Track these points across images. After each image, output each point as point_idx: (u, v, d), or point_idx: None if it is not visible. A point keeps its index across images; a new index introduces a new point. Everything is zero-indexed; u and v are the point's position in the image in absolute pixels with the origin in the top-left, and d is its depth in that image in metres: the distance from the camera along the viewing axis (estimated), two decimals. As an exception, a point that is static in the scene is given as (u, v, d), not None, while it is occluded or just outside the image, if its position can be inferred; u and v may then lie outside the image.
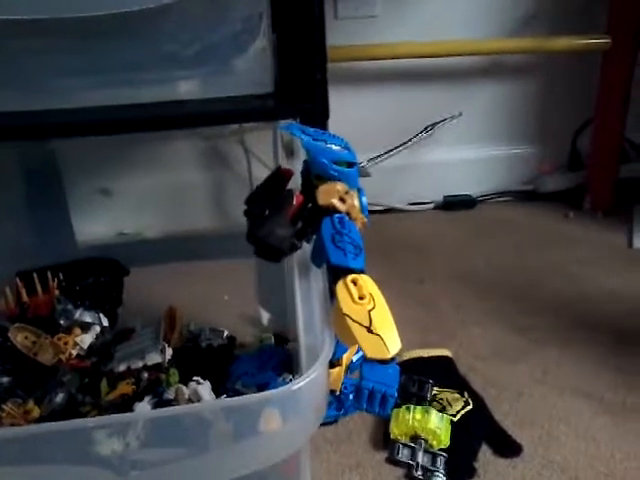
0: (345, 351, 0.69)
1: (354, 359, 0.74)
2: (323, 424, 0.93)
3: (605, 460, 0.94)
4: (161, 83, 0.95)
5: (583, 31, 1.48)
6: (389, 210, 1.62)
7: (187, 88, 0.95)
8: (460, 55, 1.50)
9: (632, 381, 1.08)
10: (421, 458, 0.82)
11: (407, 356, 1.09)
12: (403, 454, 0.82)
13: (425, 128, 1.58)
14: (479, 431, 0.98)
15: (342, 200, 0.67)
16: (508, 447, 0.96)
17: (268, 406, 0.55)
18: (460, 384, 1.06)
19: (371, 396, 0.54)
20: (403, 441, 0.87)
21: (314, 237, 0.69)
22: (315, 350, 0.59)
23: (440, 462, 0.81)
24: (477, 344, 1.17)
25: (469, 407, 1.00)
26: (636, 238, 1.47)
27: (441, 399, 1.00)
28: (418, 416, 0.89)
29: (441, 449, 0.89)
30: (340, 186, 0.68)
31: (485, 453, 0.95)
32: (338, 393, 0.76)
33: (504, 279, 1.36)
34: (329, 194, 0.68)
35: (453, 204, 1.63)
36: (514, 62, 1.58)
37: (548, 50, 1.50)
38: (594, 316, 1.24)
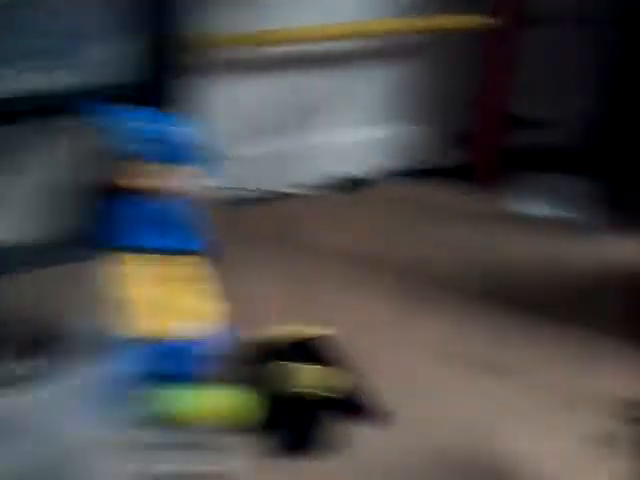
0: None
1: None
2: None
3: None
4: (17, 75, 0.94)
5: (469, 10, 1.51)
6: (280, 195, 1.56)
7: (43, 80, 0.94)
8: (347, 38, 1.52)
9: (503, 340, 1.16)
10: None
11: (290, 336, 1.09)
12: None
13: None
14: (357, 407, 1.01)
15: (154, 180, 0.66)
16: (383, 419, 0.99)
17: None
18: (341, 362, 1.07)
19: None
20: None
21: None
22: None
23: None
24: (363, 321, 1.18)
25: (349, 384, 1.02)
26: (521, 205, 1.58)
27: (324, 377, 1.01)
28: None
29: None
30: (150, 166, 0.67)
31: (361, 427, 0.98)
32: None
33: (397, 256, 1.38)
34: (136, 174, 0.67)
35: (347, 185, 1.64)
36: (403, 43, 1.61)
37: (434, 29, 1.53)
38: (488, 285, 1.31)
